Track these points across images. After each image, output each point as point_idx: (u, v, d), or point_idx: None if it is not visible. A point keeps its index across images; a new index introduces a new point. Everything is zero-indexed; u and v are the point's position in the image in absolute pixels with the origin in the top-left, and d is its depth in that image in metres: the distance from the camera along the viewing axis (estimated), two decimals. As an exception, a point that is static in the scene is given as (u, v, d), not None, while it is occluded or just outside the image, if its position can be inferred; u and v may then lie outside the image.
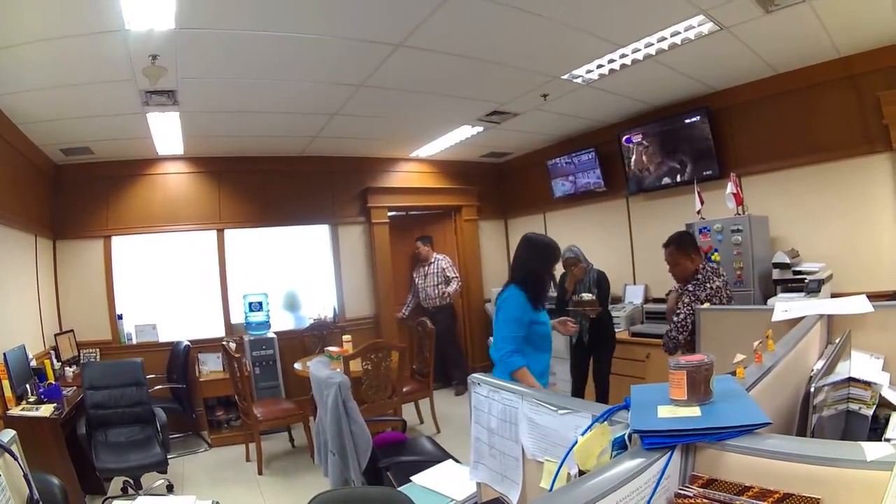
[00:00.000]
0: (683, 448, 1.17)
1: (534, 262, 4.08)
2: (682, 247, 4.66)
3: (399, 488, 2.98)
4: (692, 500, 1.11)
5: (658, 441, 1.16)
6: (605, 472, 1.07)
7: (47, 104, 5.40)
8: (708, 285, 4.51)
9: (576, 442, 1.36)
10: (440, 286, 9.18)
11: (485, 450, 2.13)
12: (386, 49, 4.81)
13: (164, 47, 4.37)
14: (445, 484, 2.86)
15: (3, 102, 5.23)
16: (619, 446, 1.29)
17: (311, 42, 4.58)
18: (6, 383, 5.08)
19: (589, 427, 1.39)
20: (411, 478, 3.04)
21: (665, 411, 1.26)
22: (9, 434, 1.86)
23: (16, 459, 1.81)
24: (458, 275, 9.38)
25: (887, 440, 1.66)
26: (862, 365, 2.05)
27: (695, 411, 1.24)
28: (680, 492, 1.13)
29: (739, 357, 1.62)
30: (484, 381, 2.14)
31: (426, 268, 9.33)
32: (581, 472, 1.31)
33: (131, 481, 5.32)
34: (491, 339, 4.24)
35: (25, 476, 1.84)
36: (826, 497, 0.98)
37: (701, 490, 1.12)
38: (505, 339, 3.90)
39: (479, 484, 2.23)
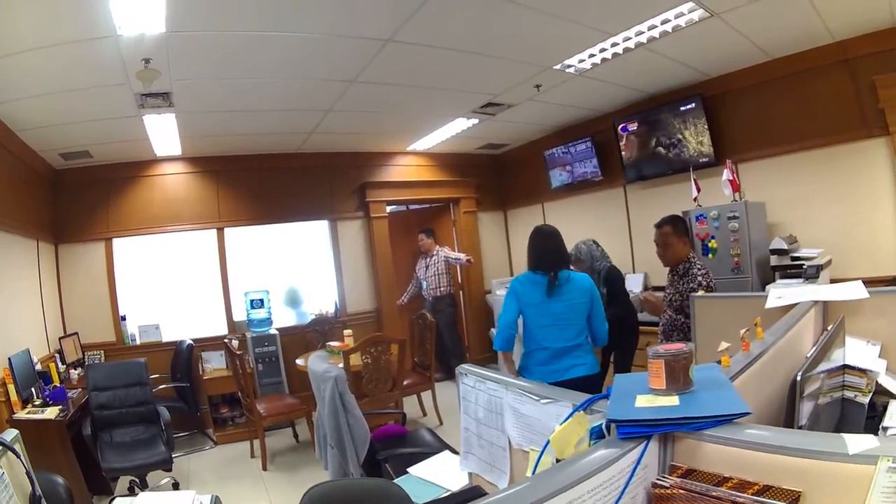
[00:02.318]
0: (662, 438, 1.17)
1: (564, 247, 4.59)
2: (677, 228, 4.57)
3: (396, 480, 2.99)
4: (668, 491, 1.11)
5: (633, 430, 1.16)
6: (578, 461, 1.07)
7: (44, 110, 5.44)
8: (710, 274, 4.48)
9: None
10: (441, 276, 9.16)
11: (474, 440, 2.15)
12: (376, 45, 4.82)
13: (157, 51, 4.39)
14: (441, 475, 2.87)
15: (3, 111, 5.27)
16: (598, 436, 1.28)
17: (299, 40, 4.60)
18: (11, 388, 5.12)
19: (568, 416, 1.40)
20: (408, 469, 3.06)
21: (643, 401, 1.26)
22: (12, 433, 1.90)
23: (18, 457, 1.85)
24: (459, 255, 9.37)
25: (885, 428, 1.67)
26: (857, 352, 2.04)
27: (673, 401, 1.24)
28: (656, 482, 1.14)
29: (724, 345, 1.62)
30: (471, 372, 2.17)
31: (427, 259, 9.29)
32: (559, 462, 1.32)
33: (137, 480, 5.36)
34: (493, 330, 4.33)
35: (28, 473, 1.88)
36: (807, 490, 0.97)
37: (678, 480, 1.12)
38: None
39: (470, 474, 2.25)
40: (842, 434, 1.03)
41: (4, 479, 1.73)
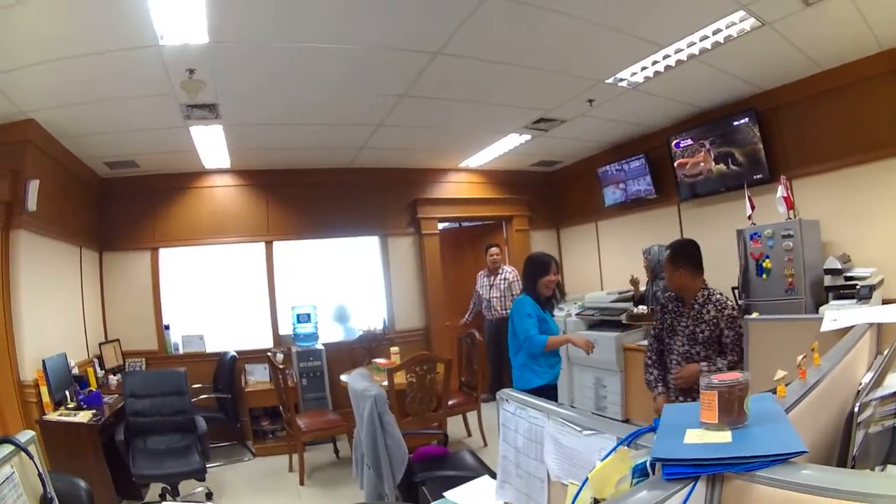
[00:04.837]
0: (709, 478, 1.07)
1: (529, 274, 5.00)
2: (672, 259, 4.17)
3: (431, 504, 2.91)
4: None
5: (679, 471, 1.06)
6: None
7: (87, 118, 5.52)
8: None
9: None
10: (506, 298, 8.50)
11: (511, 469, 2.08)
12: (424, 58, 4.79)
13: (201, 61, 4.42)
14: (478, 501, 2.76)
15: (42, 117, 5.35)
16: (642, 474, 1.19)
17: (346, 53, 4.59)
18: (44, 389, 5.26)
19: (611, 451, 1.30)
20: (444, 493, 2.96)
21: (693, 436, 1.17)
22: (27, 434, 1.95)
23: (31, 458, 1.90)
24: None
25: None
26: (911, 378, 1.93)
27: (725, 436, 1.14)
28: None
29: (780, 374, 1.52)
30: (512, 398, 2.09)
31: (493, 278, 8.71)
32: (597, 502, 1.22)
33: (169, 488, 5.38)
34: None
35: (40, 475, 1.93)
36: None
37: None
38: (525, 330, 4.66)
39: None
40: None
41: (14, 479, 1.79)
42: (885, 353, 2.10)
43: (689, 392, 4.01)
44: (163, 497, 5.42)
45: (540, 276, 4.85)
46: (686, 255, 4.14)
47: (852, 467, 1.47)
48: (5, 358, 5.17)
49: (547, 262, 4.93)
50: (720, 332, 3.98)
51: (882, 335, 2.38)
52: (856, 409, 1.55)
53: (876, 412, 1.63)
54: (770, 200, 5.86)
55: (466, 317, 9.12)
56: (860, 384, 1.88)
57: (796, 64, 5.60)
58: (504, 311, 8.43)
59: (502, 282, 8.57)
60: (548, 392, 4.64)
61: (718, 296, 4.07)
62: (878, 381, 1.80)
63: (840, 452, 1.58)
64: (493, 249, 8.77)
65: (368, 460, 4.09)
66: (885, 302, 4.92)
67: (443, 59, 4.83)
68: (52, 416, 5.16)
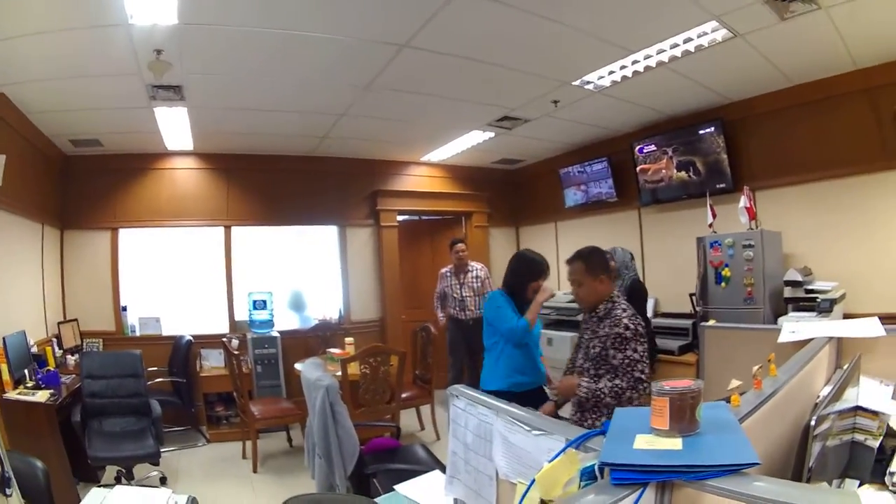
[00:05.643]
0: (659, 485, 1.07)
1: (519, 273, 4.48)
2: (589, 266, 3.78)
3: (381, 497, 2.89)
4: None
5: (627, 476, 1.06)
6: (562, 507, 0.97)
7: (55, 95, 5.42)
8: (638, 317, 3.72)
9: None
10: (478, 297, 7.96)
11: (461, 465, 2.07)
12: (391, 49, 4.77)
13: (169, 42, 4.37)
14: (429, 495, 2.76)
15: (11, 92, 5.25)
16: (590, 477, 1.19)
17: (314, 40, 4.55)
18: (4, 367, 5.14)
19: (559, 453, 1.30)
20: (395, 487, 2.95)
21: (642, 441, 1.17)
22: None
23: None
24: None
25: (891, 473, 1.58)
26: (871, 392, 1.95)
27: (676, 444, 1.14)
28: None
29: (735, 383, 1.52)
30: (462, 394, 2.08)
31: (462, 276, 8.05)
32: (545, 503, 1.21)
33: (124, 471, 5.32)
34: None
35: None
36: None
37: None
38: (507, 321, 4.25)
39: (455, 499, 2.15)
40: (857, 491, 0.93)
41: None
42: (845, 367, 2.13)
43: (582, 406, 3.71)
44: (118, 480, 5.37)
45: (532, 279, 4.36)
46: (603, 261, 3.87)
47: (808, 480, 1.48)
48: (-34, 334, 5.07)
49: (543, 266, 4.45)
50: (608, 353, 3.63)
51: (842, 349, 2.41)
52: (812, 422, 1.56)
53: (834, 425, 1.65)
54: (732, 210, 5.93)
55: (442, 317, 8.28)
56: (818, 397, 1.90)
57: (767, 77, 5.66)
58: (479, 311, 7.89)
59: (474, 280, 8.08)
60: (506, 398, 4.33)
61: (620, 311, 3.69)
62: (836, 395, 1.82)
63: (795, 465, 1.59)
64: (460, 245, 8.09)
65: (320, 450, 4.07)
66: (846, 316, 5.00)
67: (409, 52, 4.81)
68: (12, 395, 5.06)
